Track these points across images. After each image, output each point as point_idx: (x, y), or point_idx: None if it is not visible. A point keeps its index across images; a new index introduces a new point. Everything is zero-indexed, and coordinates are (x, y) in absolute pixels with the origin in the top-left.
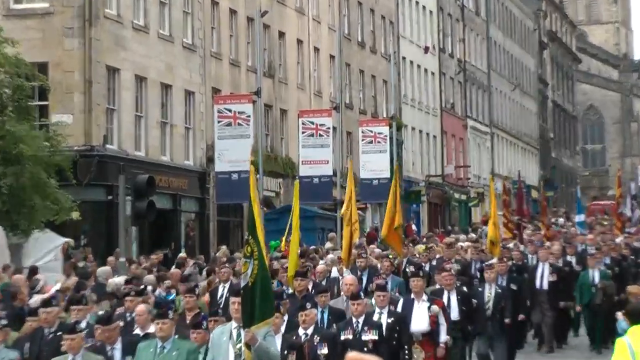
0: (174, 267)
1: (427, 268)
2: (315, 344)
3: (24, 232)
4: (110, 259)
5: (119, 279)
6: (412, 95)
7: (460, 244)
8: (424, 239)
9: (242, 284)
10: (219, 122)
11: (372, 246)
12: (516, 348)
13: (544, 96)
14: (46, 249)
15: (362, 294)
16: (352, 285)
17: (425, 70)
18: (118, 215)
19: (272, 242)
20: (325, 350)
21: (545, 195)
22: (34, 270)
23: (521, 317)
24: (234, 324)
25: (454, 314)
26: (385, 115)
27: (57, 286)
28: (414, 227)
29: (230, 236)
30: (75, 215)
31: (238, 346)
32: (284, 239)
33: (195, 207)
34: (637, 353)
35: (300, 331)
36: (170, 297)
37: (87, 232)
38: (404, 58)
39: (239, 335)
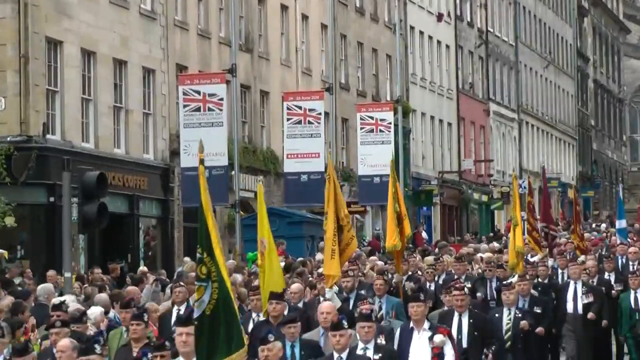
0: (129, 283)
1: (432, 287)
2: None
3: None
4: (51, 273)
5: (64, 298)
6: (422, 74)
7: (479, 255)
8: (436, 249)
9: (197, 313)
10: (185, 106)
11: (372, 258)
12: None
13: (584, 74)
14: None
15: (345, 322)
16: (330, 313)
17: (439, 42)
18: (62, 221)
19: (250, 254)
20: None
21: (582, 197)
22: None
23: (539, 330)
24: None
25: (465, 342)
26: (389, 98)
27: None
28: (424, 234)
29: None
30: (9, 220)
31: None
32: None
33: (156, 211)
34: None
35: None
36: None
37: (24, 241)
38: (412, 28)
39: None
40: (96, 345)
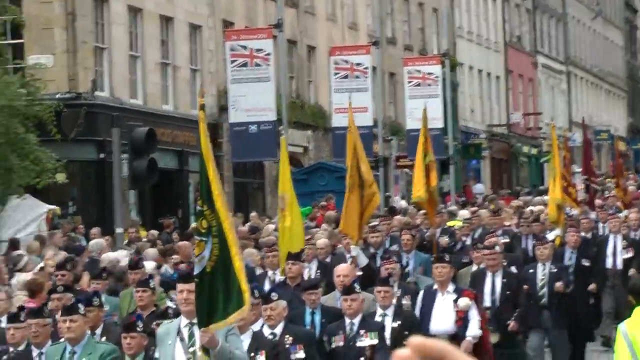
0: (176, 239)
1: (468, 241)
2: (288, 346)
3: None
4: (94, 231)
5: (116, 254)
6: (468, 27)
7: (530, 208)
8: (486, 202)
9: (197, 270)
10: (232, 62)
11: (423, 211)
12: (584, 341)
13: (632, 26)
14: (27, 218)
15: (356, 286)
16: (347, 276)
17: None
18: (112, 177)
19: (303, 209)
20: (300, 355)
21: (632, 149)
22: (14, 244)
23: (591, 287)
24: (183, 320)
25: (500, 302)
26: (436, 52)
27: (41, 263)
28: (478, 186)
29: (250, 201)
30: (60, 177)
31: (192, 350)
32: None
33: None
34: (635, 343)
35: (266, 330)
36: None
37: (75, 197)
38: None
39: (191, 335)
40: (80, 305)
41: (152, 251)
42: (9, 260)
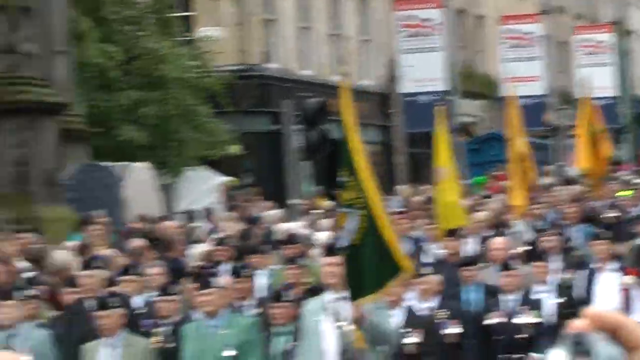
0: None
1: (636, 212)
2: (441, 321)
3: (173, 170)
4: (267, 203)
5: (290, 225)
6: None
7: None
8: None
9: (344, 243)
10: (401, 32)
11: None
12: None
13: None
14: (202, 189)
15: (514, 261)
16: (501, 250)
17: None
18: (286, 148)
19: (477, 178)
20: (454, 330)
21: None
22: (190, 215)
23: None
24: (330, 294)
25: None
26: (606, 20)
27: (219, 234)
28: None
29: (423, 171)
30: (235, 149)
31: (339, 324)
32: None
33: (377, 137)
34: None
35: (419, 305)
36: None
37: (250, 169)
38: None
39: (339, 309)
40: (210, 280)
41: (326, 222)
42: (186, 231)
